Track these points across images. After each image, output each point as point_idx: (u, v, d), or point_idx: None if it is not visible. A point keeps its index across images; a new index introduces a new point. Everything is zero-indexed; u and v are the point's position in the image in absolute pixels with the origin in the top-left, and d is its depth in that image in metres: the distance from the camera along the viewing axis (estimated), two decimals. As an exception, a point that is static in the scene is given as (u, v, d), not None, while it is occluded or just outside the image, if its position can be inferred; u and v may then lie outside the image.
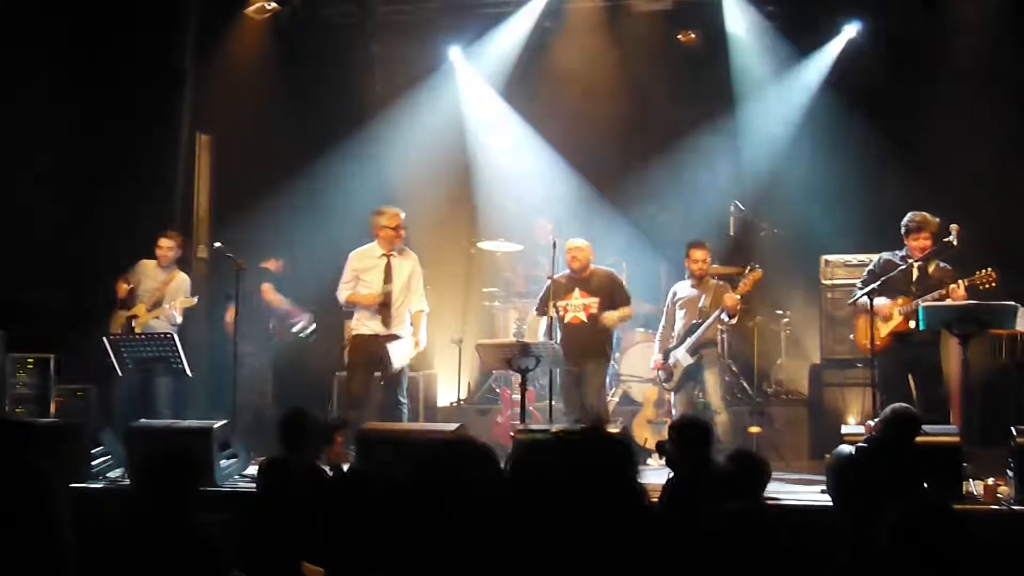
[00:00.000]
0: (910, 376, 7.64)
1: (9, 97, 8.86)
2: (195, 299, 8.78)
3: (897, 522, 2.83)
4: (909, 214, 7.69)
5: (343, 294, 8.49)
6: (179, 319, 8.77)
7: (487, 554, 2.33)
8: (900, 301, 7.58)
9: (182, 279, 9.10)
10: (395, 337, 8.34)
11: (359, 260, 8.50)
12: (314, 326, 9.67)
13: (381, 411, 8.38)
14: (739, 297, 8.25)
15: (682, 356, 8.37)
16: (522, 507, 2.29)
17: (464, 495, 2.43)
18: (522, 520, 2.27)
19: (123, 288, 8.88)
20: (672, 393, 8.57)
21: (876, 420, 5.94)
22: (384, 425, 7.39)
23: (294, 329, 9.66)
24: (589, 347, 8.45)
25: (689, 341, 8.34)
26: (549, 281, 8.59)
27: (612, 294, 8.58)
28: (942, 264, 7.64)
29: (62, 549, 2.31)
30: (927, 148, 9.76)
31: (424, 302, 8.64)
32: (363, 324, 8.42)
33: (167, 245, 9.09)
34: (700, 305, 8.42)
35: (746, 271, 8.47)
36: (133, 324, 8.77)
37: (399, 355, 8.28)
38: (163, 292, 8.95)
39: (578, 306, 8.52)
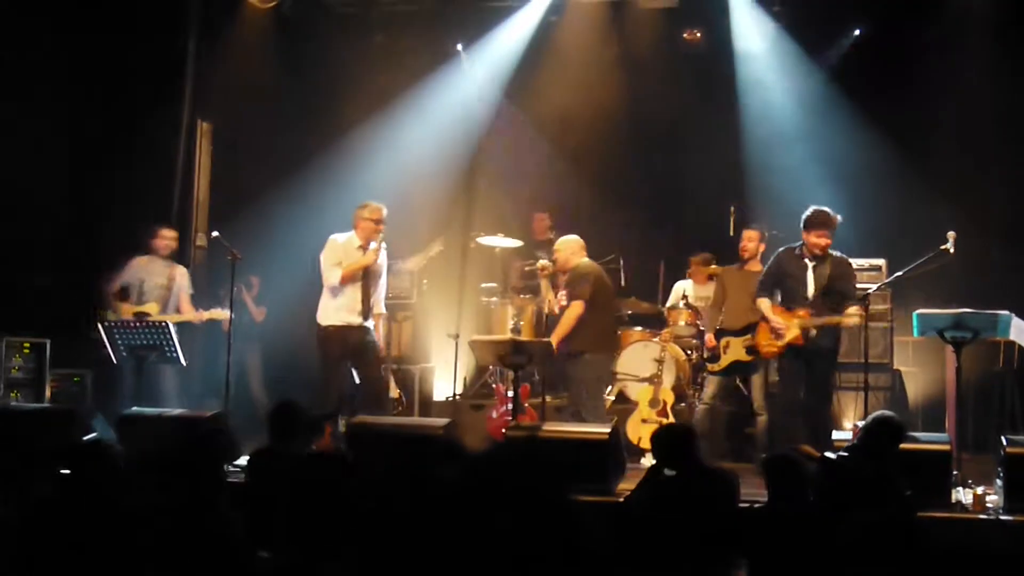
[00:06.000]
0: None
1: (9, 79, 8.84)
2: (227, 313, 8.53)
3: (857, 529, 2.83)
4: (812, 208, 7.72)
5: (335, 274, 8.24)
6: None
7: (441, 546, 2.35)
8: (801, 313, 7.62)
9: (182, 271, 9.01)
10: (368, 330, 8.34)
11: (342, 248, 8.35)
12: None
13: (371, 400, 8.34)
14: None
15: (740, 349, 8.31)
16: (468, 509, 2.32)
17: (424, 491, 2.45)
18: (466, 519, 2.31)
19: (116, 287, 8.75)
20: (710, 374, 8.61)
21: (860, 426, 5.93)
22: (375, 419, 7.37)
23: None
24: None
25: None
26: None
27: (571, 287, 8.44)
28: (837, 255, 7.73)
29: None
30: (931, 153, 9.73)
31: (383, 305, 8.64)
32: (335, 315, 8.26)
33: (170, 235, 9.00)
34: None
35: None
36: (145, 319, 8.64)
37: None
38: (171, 288, 8.84)
39: (557, 300, 8.60)
